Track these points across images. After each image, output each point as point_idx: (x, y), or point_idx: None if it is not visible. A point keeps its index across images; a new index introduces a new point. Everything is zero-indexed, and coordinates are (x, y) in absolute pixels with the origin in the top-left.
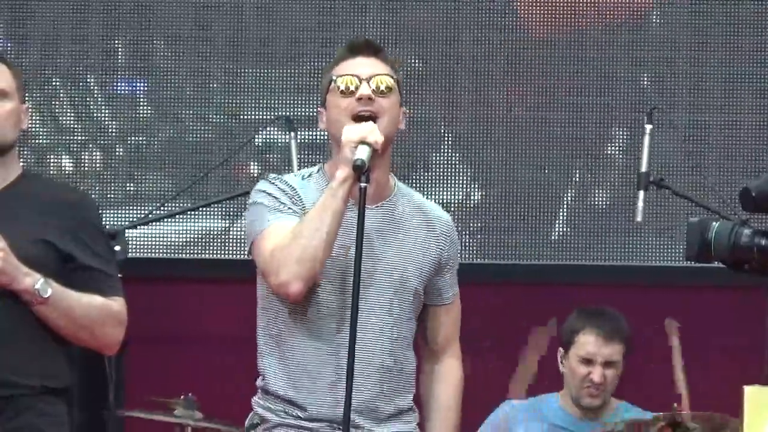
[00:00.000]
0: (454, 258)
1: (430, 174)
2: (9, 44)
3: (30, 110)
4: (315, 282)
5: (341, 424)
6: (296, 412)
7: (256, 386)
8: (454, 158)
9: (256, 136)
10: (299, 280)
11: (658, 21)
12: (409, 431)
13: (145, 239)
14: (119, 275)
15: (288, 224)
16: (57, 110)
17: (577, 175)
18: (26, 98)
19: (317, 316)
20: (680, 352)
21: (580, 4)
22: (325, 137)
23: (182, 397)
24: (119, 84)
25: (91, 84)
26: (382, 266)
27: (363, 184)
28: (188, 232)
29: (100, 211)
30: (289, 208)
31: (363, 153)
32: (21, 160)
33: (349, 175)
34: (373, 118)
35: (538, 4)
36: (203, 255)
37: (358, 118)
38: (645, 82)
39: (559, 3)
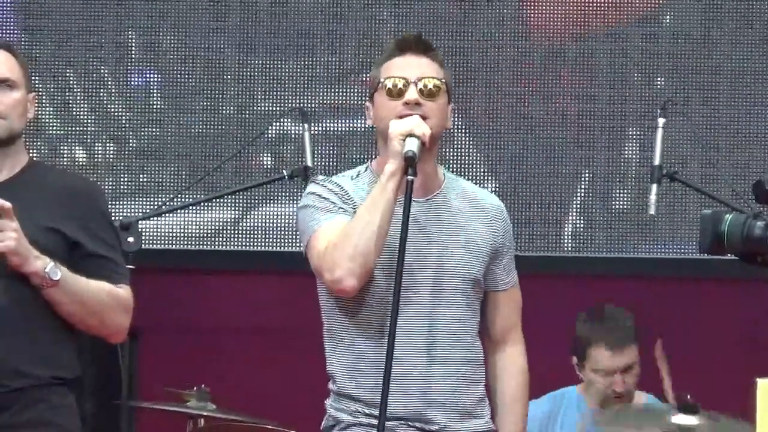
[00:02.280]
0: (510, 243)
1: (443, 165)
2: (23, 36)
3: (42, 101)
4: (370, 278)
5: (414, 420)
6: (368, 410)
7: (328, 389)
8: (467, 151)
9: (270, 128)
10: (353, 276)
11: (670, 15)
12: (483, 427)
13: (158, 230)
14: (131, 266)
15: (339, 223)
16: (70, 101)
17: (591, 168)
18: (37, 88)
19: (374, 311)
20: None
21: (596, 3)
22: (339, 129)
23: (195, 388)
24: (132, 75)
25: (104, 75)
26: (441, 258)
27: (410, 177)
28: (201, 223)
29: (108, 200)
30: (339, 207)
31: (413, 145)
32: (34, 150)
33: (398, 168)
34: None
35: (553, 4)
36: (216, 246)
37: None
38: (659, 79)
39: (574, 3)
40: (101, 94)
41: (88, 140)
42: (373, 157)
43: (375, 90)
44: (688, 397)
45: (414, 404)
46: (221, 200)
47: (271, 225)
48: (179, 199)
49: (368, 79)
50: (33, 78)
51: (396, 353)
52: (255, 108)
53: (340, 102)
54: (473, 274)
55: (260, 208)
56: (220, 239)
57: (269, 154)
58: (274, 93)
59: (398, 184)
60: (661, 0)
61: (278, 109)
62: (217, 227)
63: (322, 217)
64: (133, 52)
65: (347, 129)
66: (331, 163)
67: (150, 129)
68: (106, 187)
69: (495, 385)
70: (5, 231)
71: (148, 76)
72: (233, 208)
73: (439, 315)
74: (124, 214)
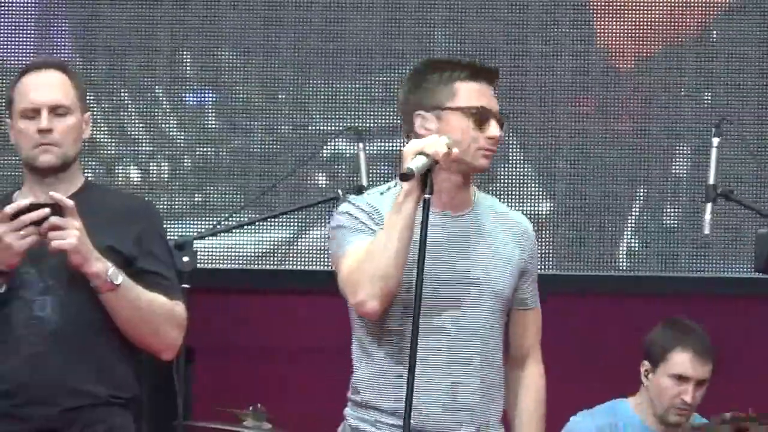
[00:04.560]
0: (536, 264)
1: (499, 185)
2: (77, 56)
3: (97, 121)
4: (398, 295)
5: None
6: (390, 420)
7: (347, 398)
8: (522, 169)
9: (325, 147)
10: (374, 298)
11: (724, 34)
12: None
13: (213, 250)
14: (186, 285)
15: (363, 244)
16: (125, 121)
17: (646, 188)
18: (92, 108)
19: (399, 326)
20: None
21: (649, 23)
22: (394, 148)
23: (251, 408)
24: (187, 95)
25: (159, 95)
26: (475, 275)
27: (427, 196)
28: (256, 243)
29: (162, 218)
30: (369, 228)
31: (416, 162)
32: (89, 170)
33: (411, 188)
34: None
35: (608, 23)
36: (271, 266)
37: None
38: (707, 97)
39: (629, 23)
40: (156, 113)
41: (143, 160)
42: None
43: (447, 104)
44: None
45: (439, 417)
46: (276, 220)
47: (325, 245)
48: (234, 219)
49: (423, 88)
50: (87, 97)
51: (422, 368)
52: (310, 127)
53: (395, 121)
54: (505, 292)
55: (315, 228)
56: (275, 259)
57: (324, 174)
58: (329, 112)
59: (415, 203)
60: (714, 18)
61: (333, 128)
62: (271, 247)
63: (351, 238)
64: (187, 71)
65: (402, 148)
66: (385, 183)
67: (204, 148)
68: (161, 206)
69: (514, 402)
70: (68, 229)
71: (202, 95)
72: (288, 228)
73: (476, 335)
74: (179, 233)
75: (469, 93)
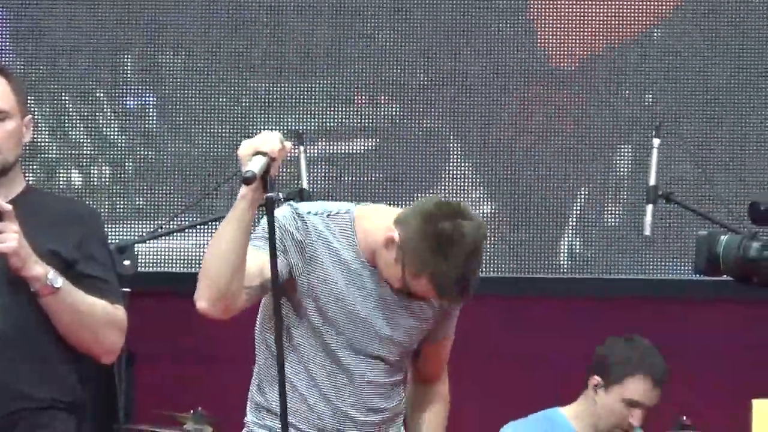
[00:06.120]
0: (457, 310)
1: (439, 186)
2: (18, 59)
3: (38, 124)
4: (316, 326)
5: None
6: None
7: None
8: (463, 171)
9: None
10: (201, 298)
11: (665, 35)
12: None
13: (155, 253)
14: (128, 289)
15: (252, 253)
16: (66, 125)
17: (587, 189)
18: (33, 112)
19: (304, 349)
20: None
21: (590, 24)
22: (335, 151)
23: (192, 411)
24: (128, 98)
25: (100, 98)
26: (390, 336)
27: (270, 194)
28: (198, 245)
29: (104, 223)
30: (277, 248)
31: (255, 165)
32: (30, 174)
33: (245, 192)
34: None
35: (549, 25)
36: None
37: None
38: (649, 97)
39: (570, 24)
40: (97, 117)
41: (84, 163)
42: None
43: (411, 275)
44: (683, 418)
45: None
46: (217, 223)
47: None
48: (176, 222)
49: (404, 242)
50: (28, 101)
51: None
52: (251, 130)
53: (336, 124)
54: (413, 347)
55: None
56: None
57: None
58: (270, 115)
59: (249, 205)
60: (655, 19)
61: (274, 130)
62: None
63: (255, 243)
64: (128, 74)
65: (343, 151)
66: (326, 186)
67: (146, 151)
68: (103, 210)
69: (416, 417)
70: (6, 232)
71: (143, 98)
72: None
73: (366, 372)
74: (121, 237)
75: (431, 285)
